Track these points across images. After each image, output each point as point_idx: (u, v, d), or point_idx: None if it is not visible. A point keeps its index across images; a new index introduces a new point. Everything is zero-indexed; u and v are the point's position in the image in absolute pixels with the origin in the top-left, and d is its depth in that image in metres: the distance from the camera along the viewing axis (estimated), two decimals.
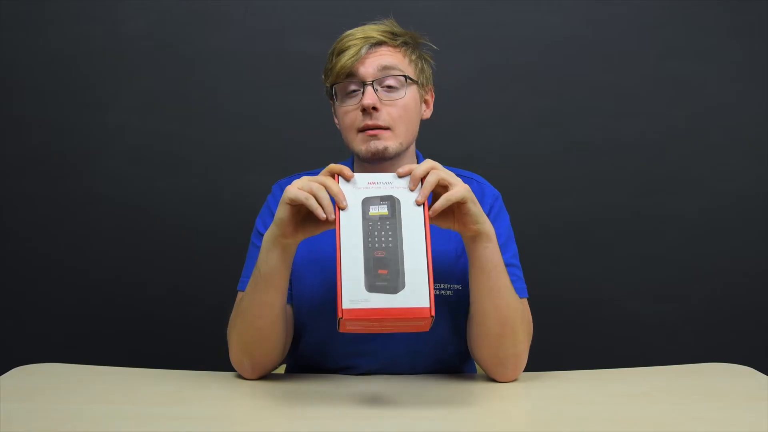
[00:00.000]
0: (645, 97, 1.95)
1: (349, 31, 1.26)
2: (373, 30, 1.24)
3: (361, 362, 1.26)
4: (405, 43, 1.26)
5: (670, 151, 1.96)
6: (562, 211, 1.96)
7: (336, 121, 1.30)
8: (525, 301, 1.23)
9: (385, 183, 1.05)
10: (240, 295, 1.25)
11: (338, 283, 0.98)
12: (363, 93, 1.21)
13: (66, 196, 1.97)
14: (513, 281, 1.21)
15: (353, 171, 1.24)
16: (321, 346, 1.28)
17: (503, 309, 1.14)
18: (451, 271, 1.26)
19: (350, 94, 1.23)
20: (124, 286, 1.98)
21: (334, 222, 1.02)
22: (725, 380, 1.19)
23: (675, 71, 1.94)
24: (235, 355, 1.19)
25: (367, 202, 1.03)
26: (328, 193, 1.03)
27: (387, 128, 1.21)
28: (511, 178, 1.93)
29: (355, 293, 0.97)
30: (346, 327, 0.99)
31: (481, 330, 1.17)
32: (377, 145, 1.21)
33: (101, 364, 1.26)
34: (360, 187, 1.04)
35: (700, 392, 1.13)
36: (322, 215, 1.02)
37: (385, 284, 0.98)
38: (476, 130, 1.95)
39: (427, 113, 1.32)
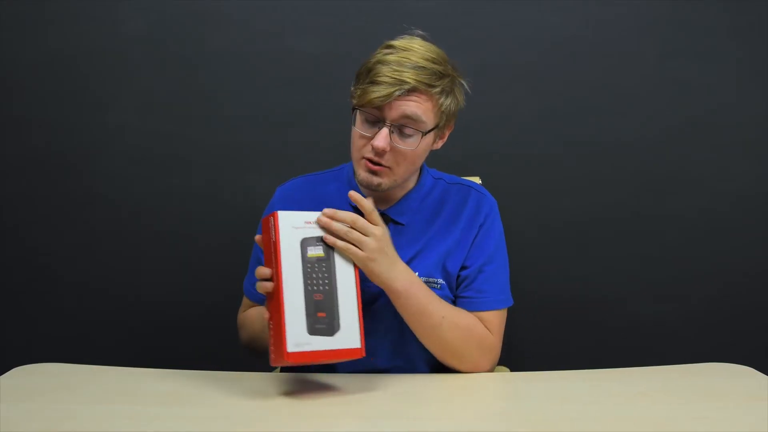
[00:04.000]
0: (645, 97, 1.95)
1: (396, 49, 1.20)
2: (414, 69, 1.18)
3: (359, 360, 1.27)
4: (441, 91, 1.21)
5: (670, 151, 1.96)
6: (562, 211, 1.96)
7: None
8: (495, 314, 1.29)
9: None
10: (246, 300, 1.40)
11: (282, 324, 1.05)
12: (379, 131, 1.20)
13: (66, 196, 1.97)
14: (489, 294, 1.28)
15: (354, 179, 1.32)
16: None
17: (435, 343, 1.23)
18: (438, 267, 1.28)
19: (368, 121, 1.22)
20: (124, 286, 1.98)
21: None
22: (725, 380, 1.19)
23: (675, 71, 1.94)
24: (242, 344, 1.40)
25: (305, 243, 1.09)
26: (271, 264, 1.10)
27: (388, 167, 1.23)
28: (511, 178, 1.94)
29: (298, 337, 1.06)
30: (286, 363, 1.06)
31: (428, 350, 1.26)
32: (372, 179, 1.24)
33: (101, 364, 1.26)
34: (298, 227, 1.09)
35: (700, 392, 1.13)
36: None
37: (324, 327, 1.07)
38: (476, 130, 1.94)
39: (439, 144, 1.30)
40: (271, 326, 1.08)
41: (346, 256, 1.11)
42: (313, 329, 1.07)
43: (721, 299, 1.97)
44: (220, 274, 1.91)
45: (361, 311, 1.10)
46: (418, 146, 1.22)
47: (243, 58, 1.94)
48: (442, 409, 1.06)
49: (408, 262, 1.26)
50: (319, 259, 1.09)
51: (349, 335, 1.09)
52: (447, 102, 1.23)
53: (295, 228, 1.09)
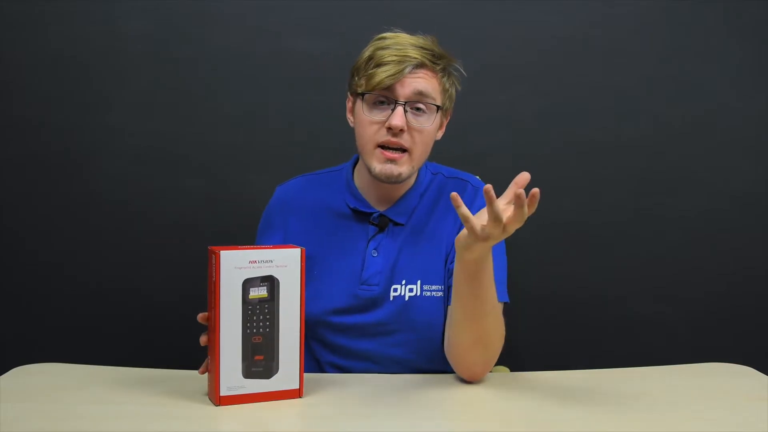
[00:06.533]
0: (645, 97, 1.95)
1: (389, 38, 1.23)
2: (414, 48, 1.21)
3: (358, 363, 1.27)
4: (443, 69, 1.25)
5: (670, 151, 1.96)
6: (562, 211, 1.96)
7: (350, 117, 1.30)
8: (501, 306, 1.26)
9: (266, 261, 1.06)
10: None
11: (216, 367, 1.04)
12: (393, 111, 1.20)
13: (66, 196, 1.97)
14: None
15: (352, 179, 1.31)
16: (315, 348, 1.30)
17: (476, 332, 1.14)
18: (439, 272, 1.27)
19: (378, 105, 1.22)
20: (124, 286, 1.98)
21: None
22: (725, 380, 1.19)
23: (675, 71, 1.94)
24: None
25: (247, 284, 1.05)
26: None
27: (405, 151, 1.22)
28: (511, 178, 1.93)
29: (232, 380, 1.05)
30: (218, 403, 1.05)
31: (457, 339, 1.16)
32: (393, 170, 1.22)
33: (101, 364, 1.26)
34: (240, 267, 1.04)
35: (700, 392, 1.13)
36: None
37: (261, 370, 1.06)
38: (476, 130, 1.94)
39: (440, 134, 1.32)
40: (209, 360, 1.07)
41: (292, 297, 1.06)
42: (249, 372, 1.06)
43: (721, 299, 1.97)
44: None
45: (303, 350, 1.08)
46: (432, 123, 1.23)
47: (243, 58, 1.94)
48: (442, 409, 1.06)
49: (408, 263, 1.26)
50: (261, 300, 1.05)
51: (287, 376, 1.07)
52: (448, 84, 1.26)
53: (237, 268, 1.04)
